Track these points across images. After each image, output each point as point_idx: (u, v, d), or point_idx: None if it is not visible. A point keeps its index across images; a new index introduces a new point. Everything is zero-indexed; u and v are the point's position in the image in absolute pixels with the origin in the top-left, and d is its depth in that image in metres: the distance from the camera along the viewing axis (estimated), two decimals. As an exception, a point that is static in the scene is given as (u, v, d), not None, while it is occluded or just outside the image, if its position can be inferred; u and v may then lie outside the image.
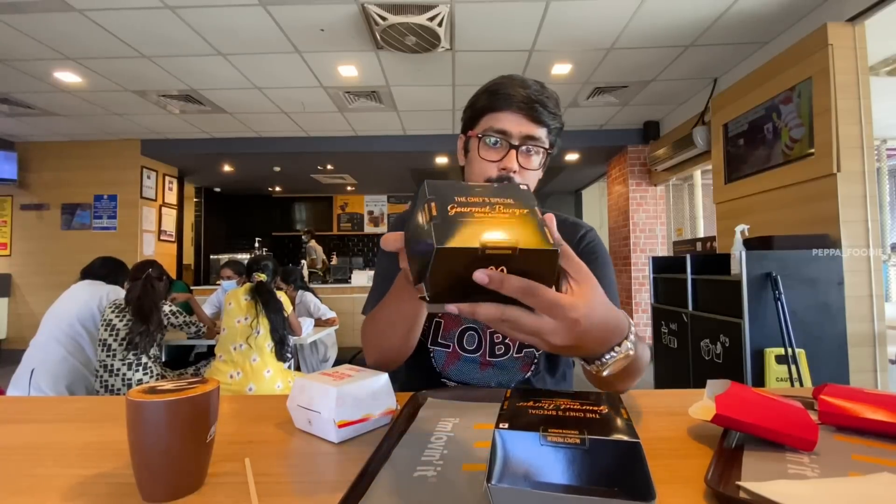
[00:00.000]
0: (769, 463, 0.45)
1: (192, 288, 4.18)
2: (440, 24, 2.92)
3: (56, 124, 4.97)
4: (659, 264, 3.37)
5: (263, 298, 2.33)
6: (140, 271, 2.40)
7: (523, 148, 0.80)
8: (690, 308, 2.88)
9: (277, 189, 8.69)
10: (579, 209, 8.72)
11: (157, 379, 2.27)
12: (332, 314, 3.47)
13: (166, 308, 2.44)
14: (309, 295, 3.46)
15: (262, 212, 9.10)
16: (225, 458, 0.49)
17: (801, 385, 2.22)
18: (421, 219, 0.40)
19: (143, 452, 0.41)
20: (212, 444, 0.45)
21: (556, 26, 3.09)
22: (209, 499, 0.42)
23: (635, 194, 5.37)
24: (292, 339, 2.59)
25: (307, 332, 2.95)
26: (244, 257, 5.91)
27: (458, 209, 0.39)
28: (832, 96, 2.58)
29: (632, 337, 0.50)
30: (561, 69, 3.75)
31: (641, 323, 5.01)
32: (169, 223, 6.10)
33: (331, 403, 0.53)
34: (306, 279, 4.41)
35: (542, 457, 0.34)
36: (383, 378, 0.60)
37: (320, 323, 3.39)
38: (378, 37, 3.08)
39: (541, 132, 0.80)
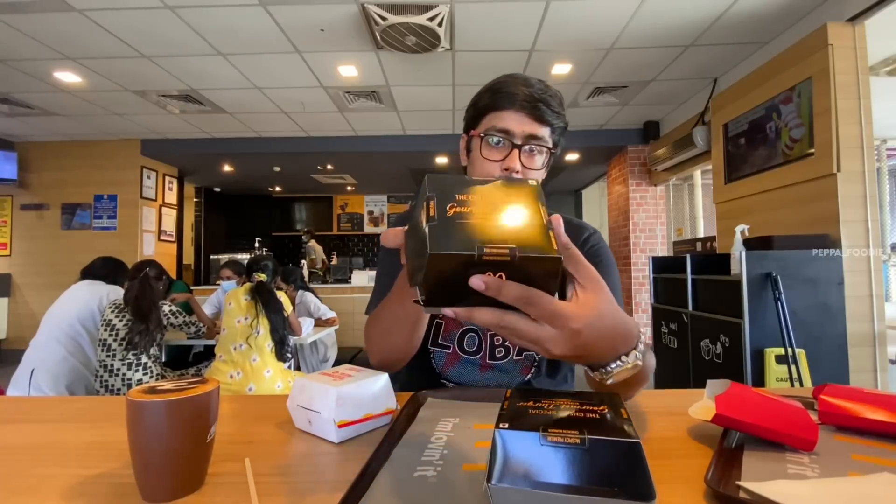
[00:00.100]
0: (769, 463, 0.45)
1: (191, 288, 4.18)
2: (440, 24, 2.92)
3: (56, 124, 4.97)
4: (659, 264, 3.37)
5: (263, 298, 2.33)
6: (138, 271, 2.40)
7: (526, 147, 0.78)
8: (690, 308, 2.88)
9: (277, 189, 8.69)
10: (579, 209, 8.72)
11: (157, 379, 2.27)
12: (332, 314, 3.47)
13: (166, 308, 2.44)
14: (309, 295, 3.46)
15: (262, 212, 9.10)
16: (225, 458, 0.49)
17: (801, 385, 2.22)
18: (420, 217, 0.39)
19: (143, 452, 0.41)
20: (212, 444, 0.45)
21: (556, 26, 3.09)
22: (209, 499, 0.42)
23: (635, 194, 5.37)
24: (292, 339, 2.59)
25: (307, 332, 2.95)
26: (244, 257, 5.92)
27: (458, 209, 0.37)
28: (832, 96, 2.58)
29: (641, 346, 0.49)
30: (561, 69, 3.75)
31: (641, 323, 5.01)
32: (169, 223, 6.10)
33: (331, 403, 0.53)
34: (306, 279, 4.41)
35: (542, 457, 0.34)
36: (383, 378, 0.59)
37: (320, 323, 3.39)
38: (378, 37, 3.08)
39: (544, 131, 0.79)
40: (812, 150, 2.73)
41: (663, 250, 5.28)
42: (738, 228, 2.61)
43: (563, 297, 0.43)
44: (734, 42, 3.31)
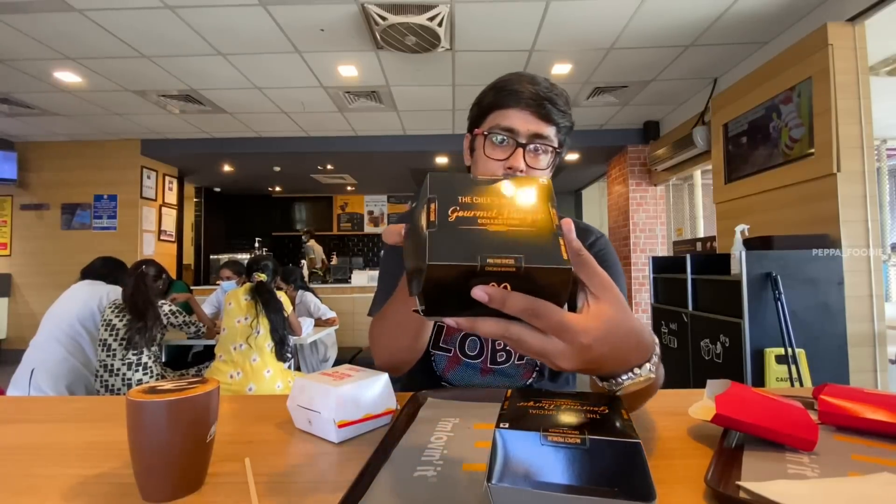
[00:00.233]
0: (769, 463, 0.45)
1: (191, 288, 4.18)
2: (440, 24, 2.92)
3: (56, 124, 4.97)
4: (659, 264, 3.37)
5: (263, 298, 2.33)
6: (135, 269, 2.40)
7: (531, 147, 0.76)
8: (690, 308, 2.88)
9: (277, 189, 8.69)
10: (579, 209, 8.73)
11: (157, 379, 2.27)
12: (332, 314, 3.47)
13: (166, 308, 2.44)
14: (309, 295, 3.46)
15: (261, 212, 9.10)
16: (225, 458, 0.49)
17: (801, 385, 2.22)
18: (420, 220, 0.37)
19: (143, 452, 0.41)
20: (212, 444, 0.45)
21: (556, 26, 3.09)
22: (209, 499, 0.42)
23: (635, 194, 5.37)
24: (292, 339, 2.59)
25: (307, 332, 2.95)
26: (244, 257, 5.91)
27: (460, 213, 0.35)
28: (832, 96, 2.58)
29: (654, 359, 0.45)
30: (561, 69, 3.75)
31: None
32: (169, 223, 6.10)
33: (331, 403, 0.53)
34: (306, 279, 4.41)
35: (542, 457, 0.33)
36: (383, 378, 0.59)
37: (320, 323, 3.39)
38: (378, 37, 3.08)
39: (549, 130, 0.77)
40: (812, 150, 2.73)
41: (663, 250, 5.28)
42: (738, 228, 2.61)
43: (574, 305, 0.40)
44: (734, 42, 3.31)
